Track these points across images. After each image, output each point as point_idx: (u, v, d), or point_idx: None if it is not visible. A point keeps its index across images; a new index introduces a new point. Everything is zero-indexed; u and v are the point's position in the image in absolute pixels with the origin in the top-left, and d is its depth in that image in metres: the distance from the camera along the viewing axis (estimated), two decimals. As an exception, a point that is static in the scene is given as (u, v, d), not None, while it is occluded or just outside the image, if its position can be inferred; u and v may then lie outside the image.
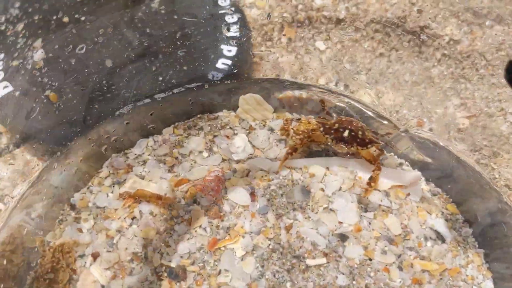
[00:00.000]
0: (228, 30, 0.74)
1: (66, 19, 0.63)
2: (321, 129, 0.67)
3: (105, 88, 0.67)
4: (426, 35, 0.73)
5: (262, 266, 0.61)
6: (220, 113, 0.75)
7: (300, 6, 0.76)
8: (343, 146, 0.66)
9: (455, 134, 0.71)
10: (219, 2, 0.74)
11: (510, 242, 0.63)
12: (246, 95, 0.74)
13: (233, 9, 0.75)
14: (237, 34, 0.74)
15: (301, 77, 0.78)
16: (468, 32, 0.70)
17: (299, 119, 0.73)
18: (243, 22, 0.75)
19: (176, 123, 0.73)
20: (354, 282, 0.60)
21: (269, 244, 0.63)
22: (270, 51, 0.77)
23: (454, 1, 0.70)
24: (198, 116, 0.74)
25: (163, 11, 0.70)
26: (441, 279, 0.62)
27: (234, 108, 0.75)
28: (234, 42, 0.74)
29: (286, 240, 0.63)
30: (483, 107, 0.69)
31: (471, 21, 0.70)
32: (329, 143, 0.67)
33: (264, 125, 0.74)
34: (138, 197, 0.65)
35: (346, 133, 0.66)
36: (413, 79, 0.73)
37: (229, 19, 0.74)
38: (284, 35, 0.78)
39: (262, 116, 0.74)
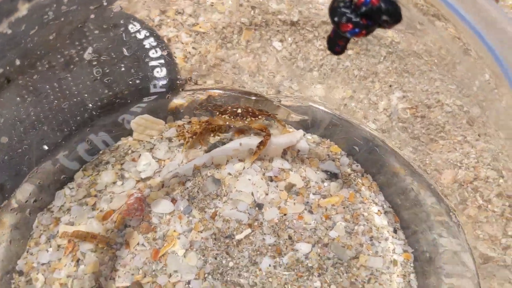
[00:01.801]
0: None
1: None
2: (217, 113, 0.78)
3: (11, 157, 0.72)
4: (372, 36, 0.82)
5: (203, 255, 0.71)
6: (119, 143, 0.82)
7: (257, 11, 0.83)
8: (239, 119, 0.78)
9: (398, 124, 0.82)
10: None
11: (383, 161, 0.79)
12: (135, 118, 0.82)
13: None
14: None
15: (259, 76, 0.87)
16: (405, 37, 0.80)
17: (189, 122, 0.84)
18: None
19: (83, 166, 0.80)
20: (279, 237, 0.72)
21: (202, 236, 0.73)
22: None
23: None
24: (101, 152, 0.81)
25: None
26: (343, 207, 0.75)
27: (130, 133, 0.83)
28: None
29: (215, 227, 0.73)
30: (423, 99, 0.79)
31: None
32: (227, 121, 0.79)
33: (161, 138, 0.83)
34: (75, 238, 0.71)
35: (239, 110, 0.78)
36: (361, 74, 0.83)
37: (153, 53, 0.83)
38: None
39: (157, 131, 0.83)
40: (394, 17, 0.50)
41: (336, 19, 0.51)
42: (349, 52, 0.89)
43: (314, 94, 0.90)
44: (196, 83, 0.91)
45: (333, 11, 0.52)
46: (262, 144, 0.77)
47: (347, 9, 0.51)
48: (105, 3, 0.64)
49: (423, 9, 0.66)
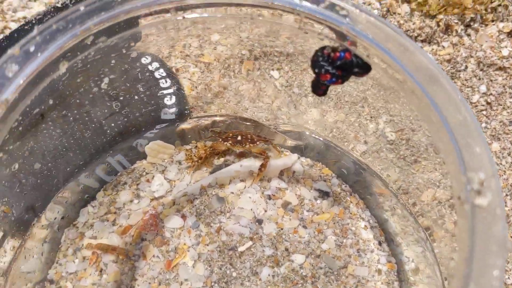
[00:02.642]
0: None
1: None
2: (220, 139, 0.89)
3: (42, 180, 0.83)
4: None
5: (210, 266, 0.81)
6: (135, 165, 0.93)
7: (256, 44, 0.93)
8: (239, 145, 0.88)
9: (386, 145, 0.91)
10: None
11: (368, 182, 0.89)
12: (149, 144, 0.92)
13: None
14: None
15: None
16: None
17: (196, 146, 0.94)
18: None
19: (104, 186, 0.90)
20: (277, 249, 0.82)
21: (208, 248, 0.83)
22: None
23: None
24: (119, 174, 0.91)
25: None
26: (334, 222, 0.85)
27: (144, 157, 0.93)
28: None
29: (219, 240, 0.83)
30: (408, 123, 0.87)
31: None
32: (229, 147, 0.89)
33: (172, 161, 0.93)
34: (99, 250, 0.82)
35: (239, 138, 0.89)
36: (351, 100, 0.92)
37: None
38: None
39: (168, 155, 0.93)
40: (364, 68, 0.61)
41: (316, 70, 0.62)
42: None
43: (309, 118, 0.99)
44: (202, 110, 1.02)
45: (314, 63, 0.62)
46: (263, 166, 0.87)
47: (325, 62, 0.61)
48: (124, 51, 0.74)
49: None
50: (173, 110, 0.96)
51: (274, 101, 1.01)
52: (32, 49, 0.51)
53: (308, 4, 0.57)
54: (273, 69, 1.01)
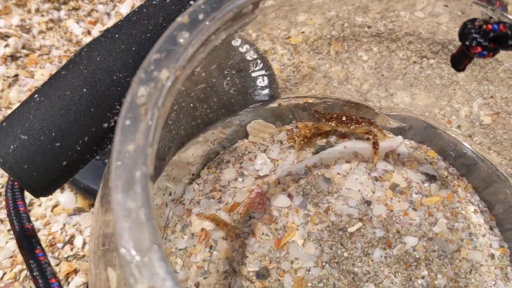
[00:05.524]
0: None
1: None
2: (324, 120, 0.88)
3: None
4: (453, 46, 0.86)
5: (320, 245, 0.81)
6: (236, 145, 0.92)
7: (345, 24, 0.92)
8: (344, 126, 0.87)
9: (480, 129, 0.89)
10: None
11: (475, 165, 0.87)
12: (251, 123, 0.92)
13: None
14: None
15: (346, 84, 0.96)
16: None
17: (296, 126, 0.93)
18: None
19: (207, 164, 0.90)
20: (388, 231, 0.81)
21: (318, 228, 0.82)
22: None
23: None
24: (221, 152, 0.91)
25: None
26: (443, 206, 0.84)
27: (246, 136, 0.93)
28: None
29: (328, 220, 0.83)
30: (504, 106, 0.85)
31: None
32: (333, 127, 0.88)
33: (273, 141, 0.92)
34: (212, 220, 0.82)
35: (344, 118, 0.88)
36: (442, 82, 0.90)
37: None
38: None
39: (269, 134, 0.93)
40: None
41: (467, 43, 0.60)
42: (431, 61, 0.97)
43: (400, 102, 0.98)
44: (291, 92, 1.01)
45: (464, 35, 0.60)
46: (376, 144, 0.86)
47: (477, 34, 0.59)
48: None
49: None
50: (266, 91, 0.95)
51: (363, 84, 1.00)
52: (200, 17, 0.51)
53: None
54: (361, 50, 1.00)
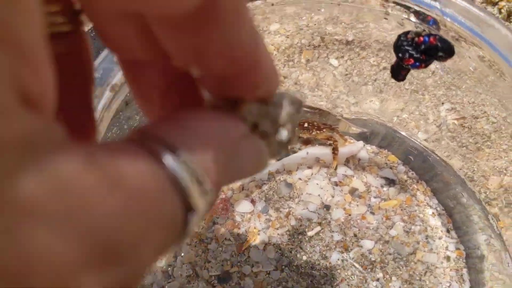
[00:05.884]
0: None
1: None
2: None
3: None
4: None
5: (280, 249, 0.83)
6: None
7: (315, 33, 0.95)
8: (306, 132, 0.90)
9: (447, 133, 0.91)
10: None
11: (434, 170, 0.89)
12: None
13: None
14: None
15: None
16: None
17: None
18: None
19: (175, 171, 0.93)
20: (345, 234, 0.84)
21: (278, 232, 0.85)
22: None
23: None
24: (188, 160, 0.95)
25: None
26: (401, 209, 0.86)
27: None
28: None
29: (289, 224, 0.85)
30: (470, 111, 0.87)
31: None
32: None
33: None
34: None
35: (306, 124, 0.90)
36: (412, 88, 0.92)
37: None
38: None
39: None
40: (448, 53, 0.61)
41: (400, 55, 0.63)
42: (401, 67, 1.00)
43: (368, 107, 1.00)
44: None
45: (398, 48, 0.63)
46: (335, 149, 0.88)
47: (409, 46, 0.62)
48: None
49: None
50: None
51: (334, 90, 1.02)
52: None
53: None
54: (332, 57, 1.02)
